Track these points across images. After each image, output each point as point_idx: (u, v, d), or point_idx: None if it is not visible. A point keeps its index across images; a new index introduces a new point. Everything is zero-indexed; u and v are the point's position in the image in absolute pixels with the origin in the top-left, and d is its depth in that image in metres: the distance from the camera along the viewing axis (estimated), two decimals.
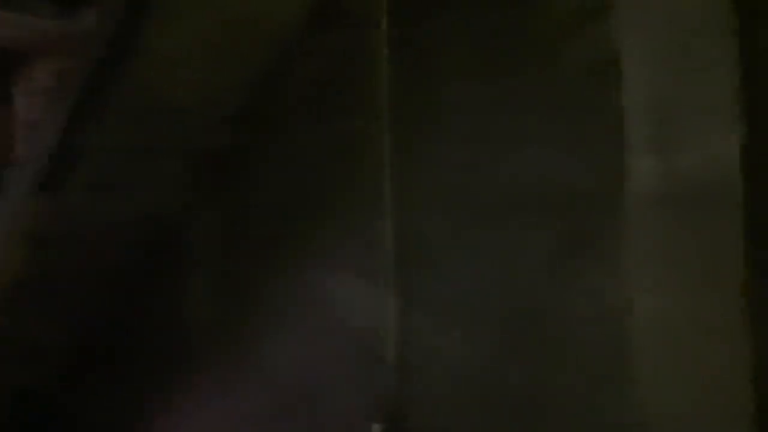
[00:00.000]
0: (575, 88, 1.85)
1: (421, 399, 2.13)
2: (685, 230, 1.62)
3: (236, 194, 2.77)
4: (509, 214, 1.96)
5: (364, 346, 2.28)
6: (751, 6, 1.54)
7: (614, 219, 1.71)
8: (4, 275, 2.65)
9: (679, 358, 1.64)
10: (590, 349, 1.78)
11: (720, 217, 1.59)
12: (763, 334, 1.54)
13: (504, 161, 1.99)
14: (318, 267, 2.49)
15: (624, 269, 1.68)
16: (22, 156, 2.85)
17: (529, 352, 1.89)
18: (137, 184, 2.60)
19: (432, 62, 2.19)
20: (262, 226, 2.67)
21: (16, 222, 2.58)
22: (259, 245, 2.67)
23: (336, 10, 2.40)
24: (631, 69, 1.68)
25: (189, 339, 2.87)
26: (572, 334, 1.81)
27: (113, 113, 2.34)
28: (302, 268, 2.53)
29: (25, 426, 3.11)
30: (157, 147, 2.51)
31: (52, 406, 3.12)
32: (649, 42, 1.65)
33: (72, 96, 2.36)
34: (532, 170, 1.93)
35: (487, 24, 2.06)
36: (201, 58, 2.33)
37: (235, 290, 2.74)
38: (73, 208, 2.55)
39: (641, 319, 1.65)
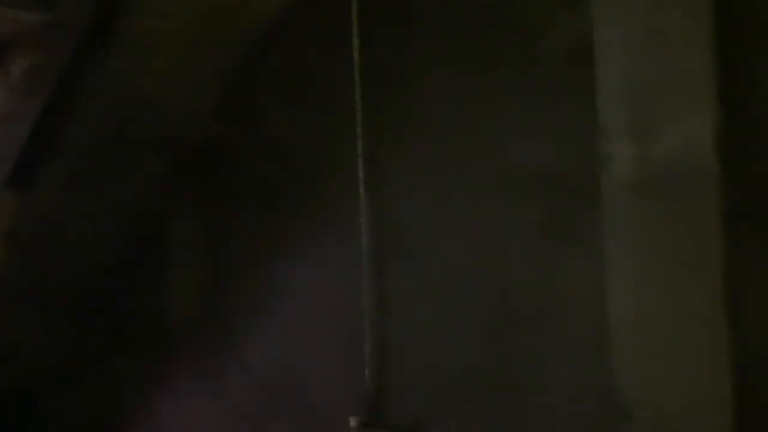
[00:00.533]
0: (552, 75, 1.84)
1: (399, 391, 2.13)
2: (663, 216, 1.61)
3: (216, 187, 2.74)
4: (487, 202, 1.95)
5: (343, 340, 2.28)
6: None
7: (592, 205, 1.70)
8: None
9: (658, 345, 1.63)
10: (569, 336, 1.77)
11: (698, 202, 1.58)
12: (743, 319, 1.54)
13: (482, 149, 1.98)
14: (298, 261, 2.47)
15: (602, 255, 1.67)
16: None
17: (508, 340, 1.88)
18: (113, 179, 2.57)
19: (409, 53, 2.17)
20: (243, 219, 2.65)
21: None
22: (240, 239, 2.65)
23: (313, 2, 2.38)
24: (607, 55, 1.66)
25: (171, 335, 2.85)
26: (551, 322, 1.81)
27: (87, 106, 2.31)
28: (283, 262, 2.52)
29: (8, 426, 3.08)
30: (133, 140, 2.49)
31: (36, 405, 3.09)
32: (624, 28, 1.63)
33: (45, 89, 2.31)
34: (510, 157, 1.92)
35: (465, 13, 2.05)
36: (176, 49, 2.30)
37: (216, 285, 2.72)
38: (48, 204, 2.52)
39: (620, 305, 1.64)
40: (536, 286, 1.85)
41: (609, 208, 1.67)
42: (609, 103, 1.66)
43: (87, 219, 2.69)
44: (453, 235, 2.04)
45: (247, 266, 2.63)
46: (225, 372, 2.65)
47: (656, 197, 1.62)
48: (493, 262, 1.95)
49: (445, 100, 2.07)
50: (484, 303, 1.96)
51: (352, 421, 2.13)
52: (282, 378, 2.50)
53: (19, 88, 2.79)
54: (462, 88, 2.04)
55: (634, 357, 1.65)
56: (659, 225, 1.61)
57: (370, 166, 2.21)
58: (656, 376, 1.62)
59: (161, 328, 2.88)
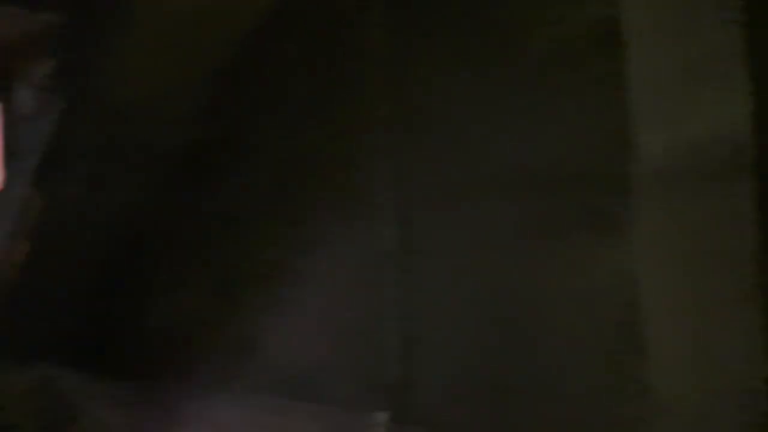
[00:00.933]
0: (577, 60, 1.80)
1: (426, 386, 2.10)
2: (694, 203, 1.57)
3: (230, 184, 2.74)
4: (515, 192, 1.92)
5: (366, 334, 2.26)
6: None
7: (621, 194, 1.66)
8: (7, 268, 2.65)
9: (688, 336, 1.59)
10: (600, 327, 1.73)
11: (731, 189, 1.53)
12: None
13: (508, 139, 1.94)
14: (316, 256, 2.46)
15: (633, 245, 1.63)
16: (21, 151, 2.84)
17: (536, 334, 1.85)
18: (123, 178, 2.61)
19: (427, 36, 2.14)
20: (259, 216, 2.64)
21: (16, 215, 2.57)
22: (257, 235, 2.65)
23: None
24: (636, 39, 1.62)
25: (186, 336, 2.85)
26: (582, 313, 1.77)
27: (94, 109, 2.34)
28: (301, 258, 2.51)
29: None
30: (132, 144, 2.52)
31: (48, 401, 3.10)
32: (654, 10, 1.59)
33: (63, 89, 2.35)
34: (536, 147, 1.88)
35: None
36: (165, 52, 2.31)
37: (233, 283, 2.72)
38: (62, 202, 2.56)
39: (651, 295, 1.60)
40: (565, 276, 1.81)
41: (639, 197, 1.64)
42: (639, 89, 1.62)
43: (95, 217, 2.71)
44: (478, 226, 2.01)
45: (265, 261, 2.62)
46: (245, 369, 2.65)
47: (688, 186, 1.58)
48: (521, 254, 1.91)
49: (469, 88, 2.03)
50: (511, 296, 1.92)
51: (378, 417, 2.11)
52: (303, 373, 2.48)
53: (41, 88, 2.84)
54: (487, 76, 2.00)
55: (663, 347, 1.62)
56: (691, 212, 1.57)
57: (388, 159, 2.18)
58: (689, 368, 1.58)
59: (176, 329, 2.88)
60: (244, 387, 2.65)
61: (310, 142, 2.41)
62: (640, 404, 1.60)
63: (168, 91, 2.40)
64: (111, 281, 2.92)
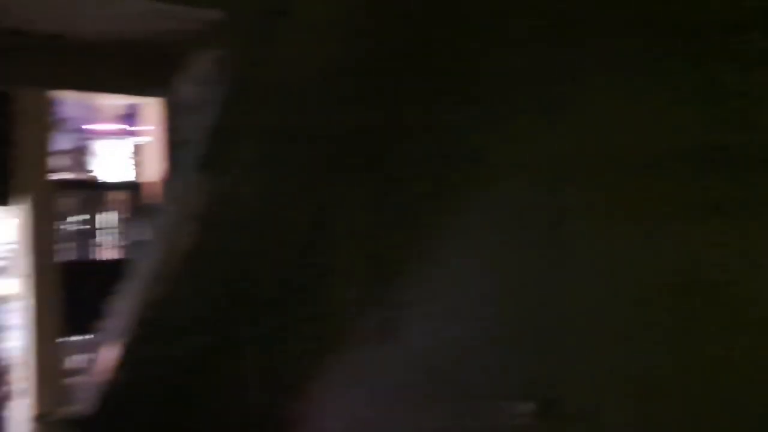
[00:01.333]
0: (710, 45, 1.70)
1: (573, 379, 2.05)
2: None
3: (380, 173, 2.79)
4: (664, 172, 1.84)
5: (510, 323, 2.24)
6: None
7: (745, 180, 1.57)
8: (175, 253, 2.82)
9: None
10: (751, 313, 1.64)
11: None
12: None
13: (654, 121, 1.87)
14: (460, 244, 2.47)
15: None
16: (188, 138, 3.02)
17: (702, 322, 1.76)
18: (286, 163, 2.68)
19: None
20: (405, 204, 2.68)
21: (185, 200, 2.73)
22: (402, 223, 2.68)
23: None
24: None
25: (337, 318, 2.93)
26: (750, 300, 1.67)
27: (260, 95, 2.42)
28: (445, 246, 2.52)
29: (179, 393, 3.32)
30: (301, 126, 2.57)
31: (208, 374, 3.30)
32: None
33: (227, 79, 2.46)
34: (685, 128, 1.80)
35: None
36: (335, 35, 2.35)
37: (378, 269, 2.78)
38: (231, 188, 2.67)
39: None
40: (715, 257, 1.72)
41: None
42: None
43: (262, 204, 2.82)
44: (620, 213, 1.94)
45: (409, 250, 2.66)
46: (389, 355, 2.69)
47: None
48: (674, 236, 1.83)
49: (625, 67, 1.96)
50: (658, 284, 1.85)
51: (522, 408, 2.08)
52: (444, 361, 2.49)
53: (205, 80, 2.99)
54: (620, 62, 1.94)
55: None
56: None
57: (527, 149, 2.15)
58: None
59: (328, 310, 2.97)
60: (385, 371, 2.69)
61: (468, 124, 2.40)
62: None
63: (333, 75, 2.43)
64: (268, 269, 3.06)
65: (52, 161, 4.01)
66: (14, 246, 4.03)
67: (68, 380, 3.86)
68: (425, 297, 2.56)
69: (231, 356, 3.21)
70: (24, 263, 4.01)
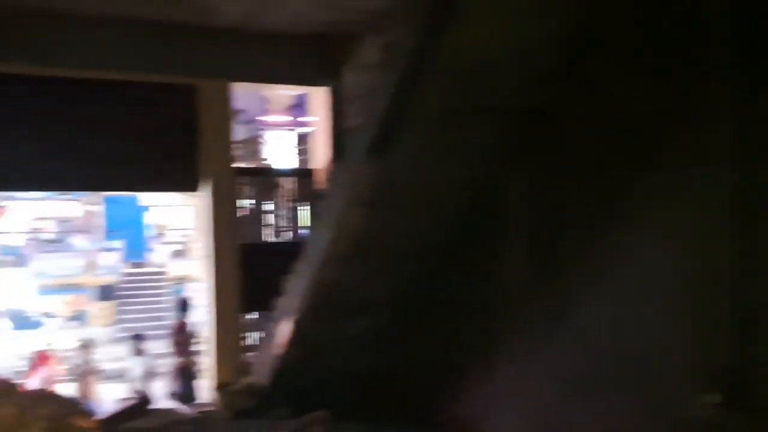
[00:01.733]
0: None
1: (764, 369, 1.91)
2: None
3: (550, 154, 2.73)
4: None
5: (693, 309, 2.12)
6: None
7: None
8: (344, 236, 2.91)
9: None
10: None
11: None
12: None
13: None
14: (637, 226, 2.36)
15: None
16: (356, 125, 3.11)
17: None
18: (460, 146, 2.68)
19: None
20: (578, 185, 2.61)
21: (353, 185, 2.81)
22: (575, 205, 2.61)
23: None
24: None
25: (505, 300, 2.91)
26: None
27: (433, 78, 2.43)
28: (620, 228, 2.42)
29: (350, 369, 3.41)
30: (479, 107, 2.56)
31: (379, 355, 3.40)
32: None
33: (399, 64, 2.49)
34: None
35: None
36: (514, 12, 2.31)
37: (550, 251, 2.72)
38: (401, 171, 2.71)
39: None
40: None
41: None
42: None
43: (432, 185, 2.84)
44: None
45: (582, 232, 2.58)
46: (557, 338, 2.64)
47: None
48: None
49: None
50: None
51: (709, 399, 1.97)
52: (619, 348, 2.40)
53: (378, 65, 3.06)
54: None
55: None
56: None
57: (735, 127, 2.01)
58: None
59: (496, 292, 2.96)
60: (555, 355, 2.64)
61: (652, 100, 2.30)
62: None
63: (515, 53, 2.39)
64: (434, 253, 3.09)
65: (232, 150, 4.30)
66: (191, 230, 4.37)
67: (246, 354, 4.11)
68: (604, 284, 2.47)
69: (401, 337, 3.28)
70: (206, 245, 4.33)
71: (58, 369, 7.03)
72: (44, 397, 3.12)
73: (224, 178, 4.14)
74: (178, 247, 12.52)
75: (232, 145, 4.36)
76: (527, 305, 2.80)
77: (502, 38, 2.39)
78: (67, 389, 6.95)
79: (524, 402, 2.77)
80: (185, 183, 4.21)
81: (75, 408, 3.24)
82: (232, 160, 4.33)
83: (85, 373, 6.78)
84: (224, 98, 4.19)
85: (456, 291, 3.14)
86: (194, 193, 4.28)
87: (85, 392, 7.07)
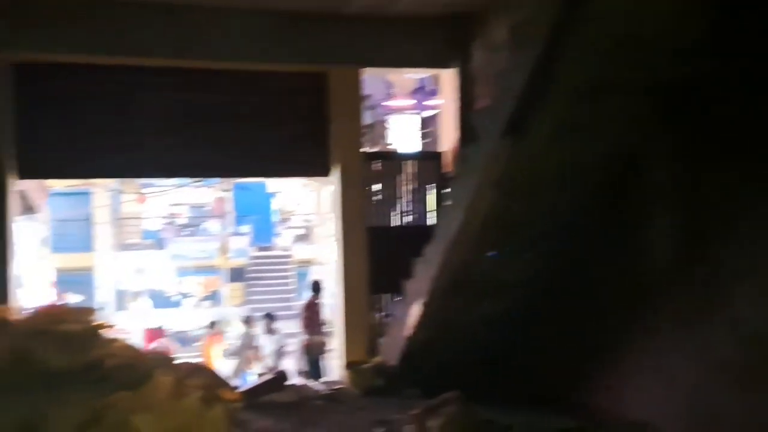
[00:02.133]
0: None
1: None
2: None
3: (697, 128, 2.59)
4: None
5: None
6: None
7: None
8: (477, 214, 2.90)
9: None
10: None
11: None
12: None
13: None
14: None
15: None
16: (486, 105, 3.07)
17: None
18: (600, 123, 2.60)
19: None
20: (730, 161, 2.46)
21: (486, 166, 2.78)
22: (728, 183, 2.47)
23: None
24: None
25: (650, 280, 2.81)
26: None
27: (576, 53, 2.35)
28: None
29: (486, 352, 3.37)
30: (621, 82, 2.46)
31: (511, 337, 3.37)
32: None
33: (534, 42, 2.43)
34: None
35: None
36: None
37: (700, 231, 2.59)
38: (537, 150, 2.66)
39: None
40: None
41: None
42: None
43: (569, 163, 2.77)
44: None
45: (736, 211, 2.44)
46: (708, 322, 2.52)
47: None
48: None
49: None
50: None
51: None
52: None
53: (507, 44, 3.02)
54: None
55: None
56: None
57: None
58: None
59: (640, 271, 2.85)
60: (706, 339, 2.52)
61: None
62: None
63: (659, 26, 2.29)
64: (570, 232, 3.02)
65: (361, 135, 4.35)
66: (315, 215, 4.47)
67: (375, 334, 4.18)
68: (758, 263, 2.33)
69: (535, 318, 3.24)
70: (336, 228, 4.42)
71: (218, 345, 7.50)
72: (197, 369, 3.30)
73: (353, 163, 4.21)
74: (303, 231, 12.94)
75: (361, 131, 4.42)
76: (672, 284, 2.69)
77: (645, 11, 2.29)
78: (220, 364, 7.44)
79: (668, 386, 2.67)
80: (316, 168, 4.30)
81: (222, 381, 3.41)
82: (361, 144, 4.39)
83: (241, 349, 7.17)
84: (354, 84, 4.25)
85: (594, 270, 3.05)
86: (325, 179, 4.38)
87: (242, 366, 7.51)
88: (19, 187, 4.16)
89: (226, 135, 4.12)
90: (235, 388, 3.48)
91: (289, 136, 4.21)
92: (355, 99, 4.30)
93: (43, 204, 6.21)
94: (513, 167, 2.67)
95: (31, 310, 3.21)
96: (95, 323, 3.07)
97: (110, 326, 3.32)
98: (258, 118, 4.18)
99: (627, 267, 2.91)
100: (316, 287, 5.01)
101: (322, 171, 4.29)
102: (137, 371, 2.79)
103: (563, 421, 2.93)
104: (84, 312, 3.11)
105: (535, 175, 2.75)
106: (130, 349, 3.06)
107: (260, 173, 4.87)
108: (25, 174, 3.97)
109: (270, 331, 6.19)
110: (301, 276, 10.68)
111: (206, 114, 4.09)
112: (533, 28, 2.44)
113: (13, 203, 3.90)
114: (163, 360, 3.14)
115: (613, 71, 2.41)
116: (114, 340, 3.11)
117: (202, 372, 3.18)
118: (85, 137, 3.94)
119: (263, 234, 12.71)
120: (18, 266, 4.18)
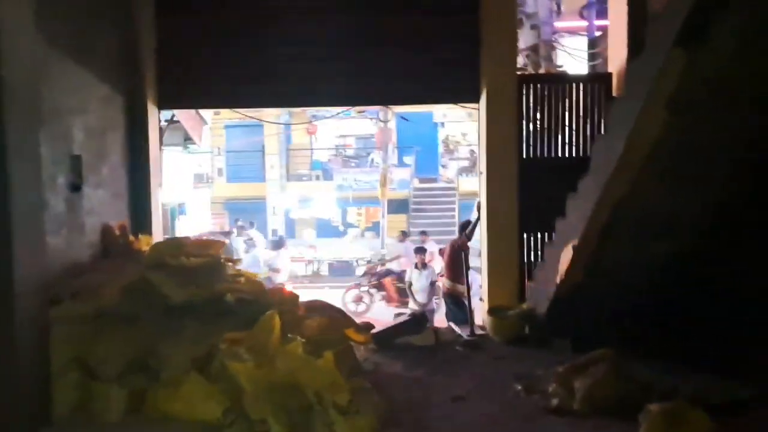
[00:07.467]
0: None
1: None
2: None
3: None
4: None
5: None
6: None
7: None
8: (643, 140, 2.42)
9: None
10: None
11: None
12: None
13: None
14: None
15: None
16: (660, 12, 2.54)
17: None
18: None
19: None
20: None
21: (656, 83, 2.29)
22: None
23: None
24: None
25: None
26: None
27: None
28: None
29: (647, 305, 2.98)
30: None
31: (677, 287, 2.89)
32: None
33: None
34: None
35: None
36: None
37: None
38: (716, 62, 2.13)
39: None
40: None
41: None
42: None
43: (754, 79, 2.21)
44: None
45: None
46: None
47: None
48: None
49: None
50: None
51: None
52: None
53: None
54: None
55: None
56: None
57: None
58: None
59: None
60: None
61: None
62: None
63: None
64: (757, 161, 2.47)
65: (517, 58, 3.91)
66: (478, 146, 4.09)
67: (522, 277, 3.83)
68: None
69: (707, 266, 2.74)
70: (481, 160, 4.05)
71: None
72: (322, 307, 3.16)
73: (505, 88, 3.78)
74: (467, 163, 12.55)
75: (518, 53, 3.98)
76: None
77: None
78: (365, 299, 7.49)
79: None
80: (466, 94, 3.97)
81: (350, 321, 3.25)
82: (516, 68, 3.95)
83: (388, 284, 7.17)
84: (509, 5, 3.84)
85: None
86: (475, 105, 4.01)
87: (389, 298, 7.54)
88: (163, 116, 4.20)
89: (380, 61, 3.91)
90: (367, 328, 3.29)
91: (439, 60, 3.90)
92: (512, 21, 3.88)
93: (200, 135, 6.34)
94: (688, 83, 2.16)
95: (172, 240, 3.20)
96: (221, 257, 2.99)
97: (237, 260, 3.26)
98: (409, 42, 3.91)
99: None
100: (465, 227, 4.67)
101: (471, 97, 3.95)
102: (259, 308, 2.67)
103: (735, 391, 2.49)
104: (211, 245, 3.04)
105: (715, 92, 2.21)
106: (254, 284, 2.96)
107: (410, 100, 4.60)
108: (165, 104, 3.98)
109: (422, 266, 5.98)
110: (465, 208, 10.38)
111: (360, 40, 3.90)
112: None
113: (154, 133, 3.91)
114: (287, 298, 3.00)
115: None
116: (239, 275, 3.02)
117: (327, 311, 3.01)
118: (228, 67, 3.89)
119: (427, 165, 12.51)
120: (175, 196, 4.25)
